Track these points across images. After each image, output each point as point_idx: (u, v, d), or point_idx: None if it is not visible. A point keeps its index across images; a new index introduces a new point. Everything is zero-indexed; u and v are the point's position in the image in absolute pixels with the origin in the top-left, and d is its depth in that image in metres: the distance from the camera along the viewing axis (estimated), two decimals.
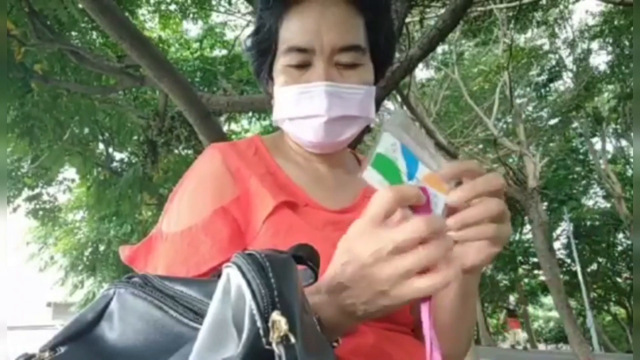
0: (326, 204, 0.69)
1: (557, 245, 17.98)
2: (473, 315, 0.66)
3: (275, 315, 0.29)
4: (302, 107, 0.67)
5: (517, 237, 17.76)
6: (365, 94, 0.68)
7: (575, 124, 14.56)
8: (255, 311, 0.29)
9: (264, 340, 0.29)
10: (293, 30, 0.66)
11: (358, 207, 0.71)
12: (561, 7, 10.08)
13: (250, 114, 5.93)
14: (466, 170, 0.48)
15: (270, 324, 0.29)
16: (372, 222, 0.43)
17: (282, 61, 0.68)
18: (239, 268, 0.32)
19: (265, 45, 0.70)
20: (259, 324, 0.29)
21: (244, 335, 0.29)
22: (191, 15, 6.39)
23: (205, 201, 0.64)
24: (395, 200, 0.42)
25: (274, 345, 0.29)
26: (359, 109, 0.68)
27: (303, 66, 0.67)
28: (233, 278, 0.32)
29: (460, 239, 0.49)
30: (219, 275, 0.34)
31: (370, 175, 0.46)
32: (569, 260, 18.01)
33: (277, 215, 0.63)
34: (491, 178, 0.48)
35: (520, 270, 19.43)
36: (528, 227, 13.68)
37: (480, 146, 13.45)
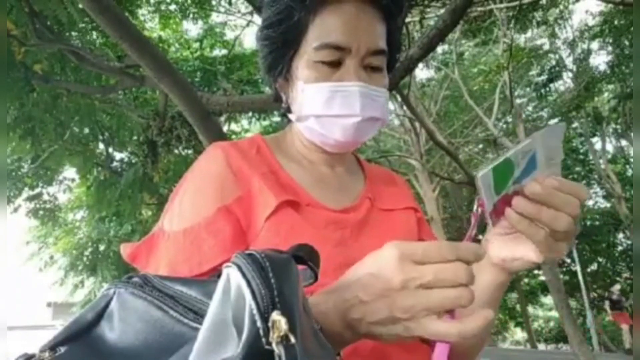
0: (328, 203, 0.69)
1: None
2: None
3: (275, 315, 0.29)
4: (335, 106, 0.66)
5: None
6: (385, 97, 0.70)
7: (575, 124, 14.55)
8: (255, 311, 0.29)
9: (263, 340, 0.29)
10: (330, 27, 0.66)
11: (359, 207, 0.72)
12: (561, 7, 10.07)
13: (250, 114, 5.92)
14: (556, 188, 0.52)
15: (270, 324, 0.29)
16: (410, 256, 0.42)
17: (312, 56, 0.67)
18: (239, 268, 0.32)
19: (290, 37, 0.68)
20: (258, 324, 0.29)
21: (244, 335, 0.29)
22: (191, 15, 6.38)
23: (208, 200, 0.64)
24: (446, 256, 0.42)
25: (273, 345, 0.29)
26: (381, 111, 0.69)
27: (335, 64, 0.66)
28: (233, 278, 0.32)
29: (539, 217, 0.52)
30: (219, 276, 0.34)
31: (484, 177, 0.49)
32: (569, 260, 18.00)
33: (279, 215, 0.63)
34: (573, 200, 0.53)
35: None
36: None
37: (480, 146, 13.44)
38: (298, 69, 0.69)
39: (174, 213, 0.66)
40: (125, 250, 0.67)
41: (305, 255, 0.42)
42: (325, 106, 0.67)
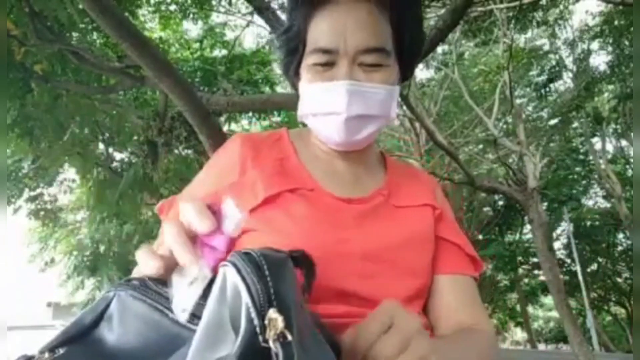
0: (334, 192, 0.71)
1: (557, 245, 17.93)
2: None
3: (272, 313, 0.29)
4: (324, 104, 0.69)
5: (517, 237, 17.75)
6: (386, 93, 0.69)
7: (575, 124, 14.52)
8: (251, 309, 0.30)
9: (260, 337, 0.29)
10: (320, 30, 0.68)
11: (368, 201, 0.72)
12: (561, 7, 10.05)
13: (250, 114, 5.92)
14: None
15: (266, 322, 0.29)
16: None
17: (309, 60, 0.70)
18: (235, 266, 0.32)
19: (293, 45, 0.72)
20: (255, 321, 0.29)
21: (240, 333, 0.29)
22: (191, 16, 6.37)
23: (205, 184, 0.73)
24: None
25: (270, 342, 0.29)
26: (379, 108, 0.69)
27: (328, 65, 0.68)
28: (229, 276, 0.32)
29: None
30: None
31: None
32: (569, 260, 17.97)
33: (277, 201, 0.66)
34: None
35: (520, 270, 19.38)
36: (528, 227, 13.65)
37: (480, 146, 13.43)
38: (302, 73, 0.73)
39: (189, 186, 0.77)
40: (158, 205, 0.75)
41: (300, 260, 0.42)
42: (317, 105, 0.70)
